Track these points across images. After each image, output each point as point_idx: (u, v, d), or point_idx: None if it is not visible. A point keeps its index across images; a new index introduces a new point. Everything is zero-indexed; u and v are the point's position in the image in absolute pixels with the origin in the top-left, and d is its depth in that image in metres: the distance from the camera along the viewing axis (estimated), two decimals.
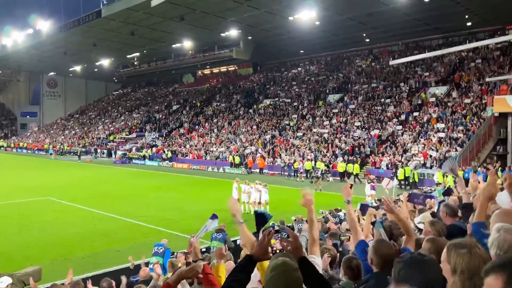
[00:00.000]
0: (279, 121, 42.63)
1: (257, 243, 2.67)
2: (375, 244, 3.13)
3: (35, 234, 14.88)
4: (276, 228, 3.67)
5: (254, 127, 43.51)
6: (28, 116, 77.52)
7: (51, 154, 52.26)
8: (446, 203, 5.05)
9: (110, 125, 63.38)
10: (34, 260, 10.62)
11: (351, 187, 4.11)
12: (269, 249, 2.63)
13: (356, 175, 28.79)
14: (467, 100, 31.35)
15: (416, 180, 25.87)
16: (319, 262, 3.16)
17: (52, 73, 73.13)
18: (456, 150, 26.80)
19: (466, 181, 19.50)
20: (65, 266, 11.34)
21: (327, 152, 33.14)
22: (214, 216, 4.50)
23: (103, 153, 52.51)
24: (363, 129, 34.63)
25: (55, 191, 24.12)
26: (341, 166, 29.96)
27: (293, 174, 32.01)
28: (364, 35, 42.69)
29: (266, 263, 2.70)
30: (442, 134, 29.19)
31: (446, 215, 4.65)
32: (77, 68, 62.35)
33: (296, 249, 2.58)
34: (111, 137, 57.73)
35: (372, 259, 3.05)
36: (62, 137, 65.22)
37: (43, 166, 41.56)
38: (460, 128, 28.87)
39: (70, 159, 49.13)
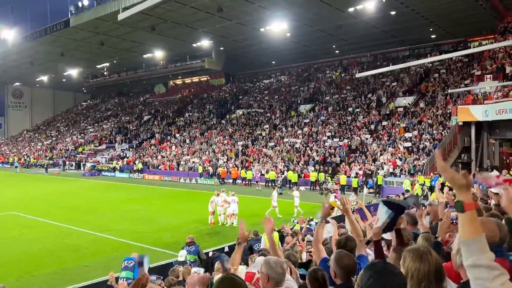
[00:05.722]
0: (251, 131, 42.78)
1: None
2: (336, 256, 3.13)
3: None
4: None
5: (227, 137, 43.49)
6: None
7: (16, 167, 50.45)
8: (407, 211, 5.17)
9: (79, 137, 61.87)
10: None
11: (332, 209, 4.02)
12: None
13: (323, 183, 29.54)
14: (433, 110, 32.41)
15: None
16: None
17: (17, 83, 70.96)
18: (422, 159, 27.63)
19: (432, 188, 20.02)
20: (31, 284, 11.01)
21: (299, 161, 33.44)
22: (141, 257, 3.97)
23: (72, 165, 51.16)
24: (334, 139, 35.18)
25: (21, 206, 23.27)
26: (312, 176, 30.33)
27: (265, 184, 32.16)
28: (334, 46, 43.70)
29: None
30: (409, 143, 30.02)
31: (407, 223, 4.80)
32: (44, 78, 60.60)
33: None
34: (80, 149, 56.35)
35: (335, 272, 3.06)
36: (28, 149, 63.16)
37: (7, 179, 40.08)
38: (427, 137, 29.77)
39: (36, 172, 47.58)
